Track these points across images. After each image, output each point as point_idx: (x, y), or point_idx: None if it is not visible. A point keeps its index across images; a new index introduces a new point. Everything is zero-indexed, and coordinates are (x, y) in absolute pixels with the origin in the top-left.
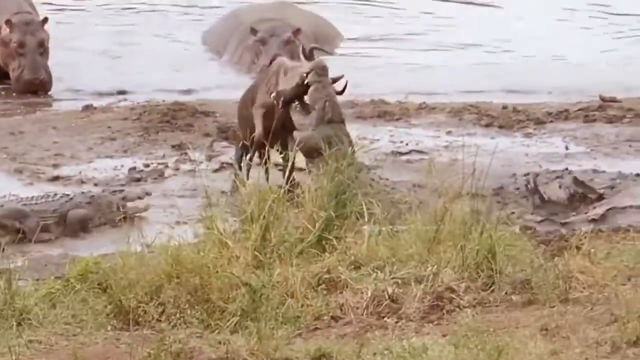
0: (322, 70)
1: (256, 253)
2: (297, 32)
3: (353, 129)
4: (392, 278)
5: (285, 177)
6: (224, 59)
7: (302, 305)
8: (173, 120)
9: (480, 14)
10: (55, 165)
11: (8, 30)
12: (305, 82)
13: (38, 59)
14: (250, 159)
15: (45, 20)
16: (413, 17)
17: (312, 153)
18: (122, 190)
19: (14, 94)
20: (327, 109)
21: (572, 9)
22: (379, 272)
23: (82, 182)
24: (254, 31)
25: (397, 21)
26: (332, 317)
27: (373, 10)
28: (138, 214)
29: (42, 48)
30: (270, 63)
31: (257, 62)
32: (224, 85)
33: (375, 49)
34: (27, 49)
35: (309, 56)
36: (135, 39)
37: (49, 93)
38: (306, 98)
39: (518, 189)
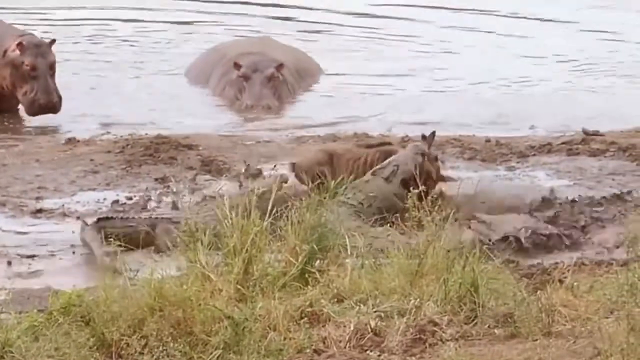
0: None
1: (239, 286)
2: (280, 67)
3: None
4: (375, 311)
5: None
6: (207, 93)
7: (284, 339)
8: (156, 153)
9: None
10: (38, 199)
11: (18, 52)
12: None
13: (50, 82)
14: None
15: (53, 42)
16: (399, 42)
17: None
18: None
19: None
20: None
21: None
22: (361, 305)
23: (65, 215)
24: (237, 66)
25: (381, 53)
26: (315, 351)
27: (355, 44)
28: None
29: (52, 70)
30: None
31: (240, 98)
32: (207, 119)
33: (355, 84)
34: (39, 72)
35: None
36: (115, 71)
37: (29, 128)
38: None
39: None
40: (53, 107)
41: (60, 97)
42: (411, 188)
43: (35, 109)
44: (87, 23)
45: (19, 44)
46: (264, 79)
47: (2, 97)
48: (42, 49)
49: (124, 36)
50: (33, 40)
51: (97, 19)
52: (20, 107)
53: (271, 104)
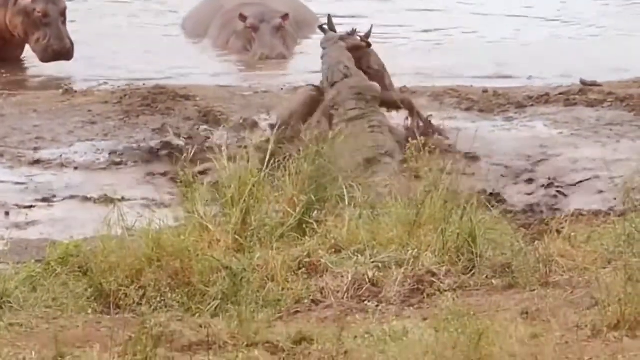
0: None
1: (237, 237)
2: (285, 17)
3: None
4: (373, 262)
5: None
6: (205, 44)
7: (282, 289)
8: (154, 104)
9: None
10: (36, 149)
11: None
12: None
13: (62, 28)
14: None
15: None
16: None
17: None
18: None
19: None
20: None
21: None
22: (359, 255)
23: (63, 165)
24: (242, 17)
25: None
26: (313, 301)
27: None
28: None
29: (63, 17)
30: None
31: (250, 48)
32: (204, 70)
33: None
34: (51, 18)
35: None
36: (110, 23)
37: (27, 78)
38: None
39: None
40: (67, 53)
41: (72, 43)
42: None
43: (49, 56)
44: None
45: None
46: (272, 29)
47: (11, 45)
48: None
49: None
50: None
51: None
52: (25, 55)
53: (285, 53)
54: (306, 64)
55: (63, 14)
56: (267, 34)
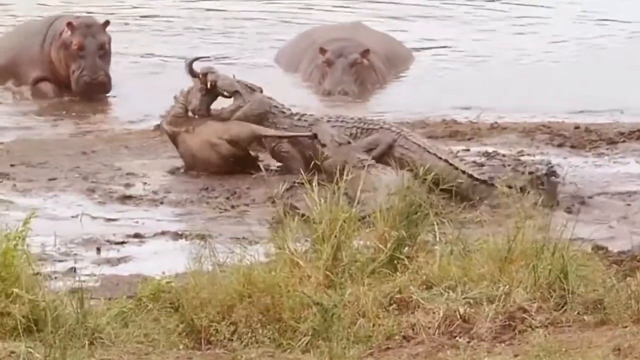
0: None
1: (328, 272)
2: (365, 52)
3: None
4: (464, 298)
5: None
6: (296, 78)
7: (373, 325)
8: None
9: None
10: (127, 185)
11: (69, 32)
12: None
13: (97, 61)
14: None
15: (107, 23)
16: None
17: None
18: None
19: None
20: None
21: None
22: (450, 291)
23: (154, 201)
24: (322, 51)
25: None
26: (404, 337)
27: (445, 30)
28: None
29: (103, 50)
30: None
31: (322, 83)
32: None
33: (444, 69)
34: (87, 51)
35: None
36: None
37: (116, 115)
38: None
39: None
40: (99, 85)
41: (109, 77)
42: None
43: (81, 87)
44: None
45: (69, 24)
46: (346, 65)
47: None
48: (92, 29)
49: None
50: (84, 21)
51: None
52: (110, 93)
53: (349, 89)
54: (384, 102)
55: (102, 47)
56: (339, 69)
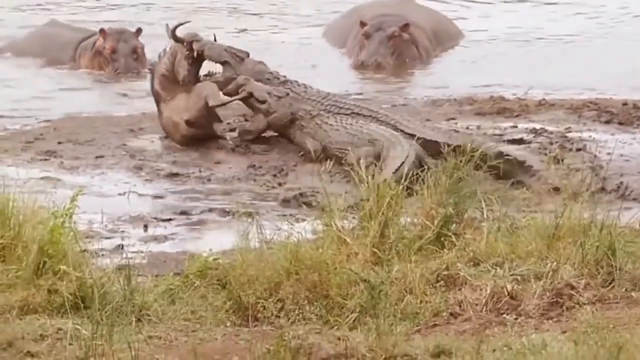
0: None
1: (375, 250)
2: (405, 26)
3: (473, 126)
4: (511, 275)
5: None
6: (342, 53)
7: (420, 302)
8: None
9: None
10: (174, 162)
11: (102, 39)
12: None
13: (131, 62)
14: None
15: (139, 31)
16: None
17: None
18: None
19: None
20: None
21: None
22: (498, 268)
23: (201, 179)
24: (362, 24)
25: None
26: (451, 314)
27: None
28: None
29: (136, 54)
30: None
31: (359, 56)
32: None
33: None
34: (120, 53)
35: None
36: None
37: None
38: None
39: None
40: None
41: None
42: None
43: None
44: None
45: (102, 32)
46: (384, 37)
47: None
48: (124, 35)
49: None
50: (117, 29)
51: None
52: None
53: (383, 61)
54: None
55: (135, 51)
56: (375, 42)
